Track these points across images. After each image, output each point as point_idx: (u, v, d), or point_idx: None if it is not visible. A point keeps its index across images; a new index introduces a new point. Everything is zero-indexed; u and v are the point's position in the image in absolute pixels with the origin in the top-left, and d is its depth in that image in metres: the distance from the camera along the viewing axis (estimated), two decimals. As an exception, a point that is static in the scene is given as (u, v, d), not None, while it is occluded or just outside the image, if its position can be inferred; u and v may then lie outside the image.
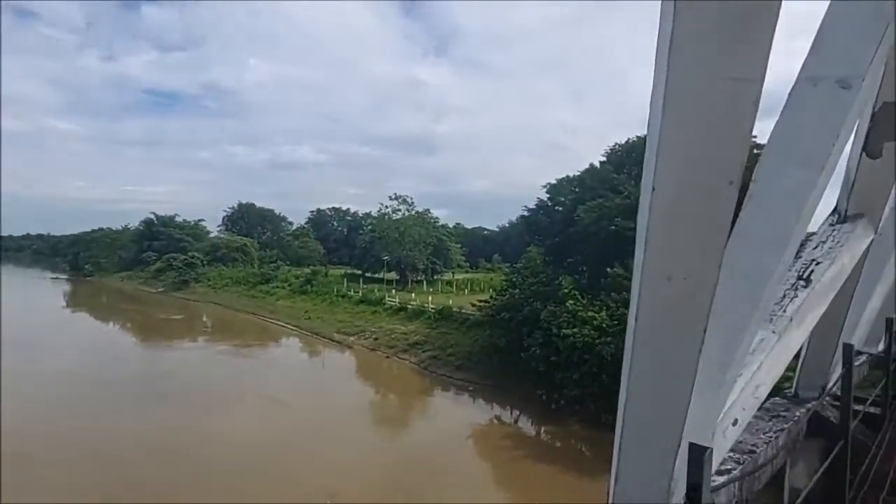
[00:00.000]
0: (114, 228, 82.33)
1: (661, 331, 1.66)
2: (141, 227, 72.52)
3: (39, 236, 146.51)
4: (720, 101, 1.17)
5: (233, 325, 44.01)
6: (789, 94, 1.95)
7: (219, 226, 76.77)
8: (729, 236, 1.75)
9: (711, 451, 1.57)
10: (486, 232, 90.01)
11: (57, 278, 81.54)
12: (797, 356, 3.91)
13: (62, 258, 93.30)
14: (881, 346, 5.83)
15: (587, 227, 27.05)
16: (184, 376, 28.23)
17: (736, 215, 2.17)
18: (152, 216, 72.44)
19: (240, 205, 78.56)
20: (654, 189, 1.34)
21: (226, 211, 78.55)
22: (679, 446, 1.80)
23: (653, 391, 1.81)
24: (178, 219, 73.52)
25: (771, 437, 3.71)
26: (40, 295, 63.68)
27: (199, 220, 75.55)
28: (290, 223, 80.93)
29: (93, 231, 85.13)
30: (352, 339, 36.85)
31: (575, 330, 22.96)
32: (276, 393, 25.31)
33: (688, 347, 1.68)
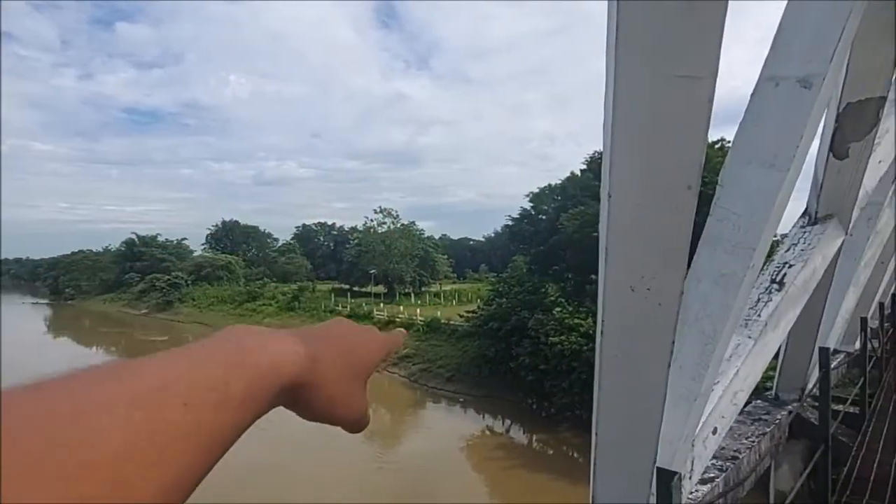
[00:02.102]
0: (94, 250, 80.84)
1: (628, 345, 1.60)
2: (122, 248, 71.27)
3: (18, 261, 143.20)
4: (672, 102, 1.11)
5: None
6: (751, 95, 1.92)
7: (203, 244, 75.68)
8: (692, 243, 1.69)
9: (681, 476, 1.50)
10: (471, 242, 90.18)
11: (37, 303, 79.59)
12: (775, 359, 3.89)
13: (42, 282, 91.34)
14: (857, 345, 5.86)
15: (571, 235, 27.19)
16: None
17: (704, 220, 2.12)
18: (134, 236, 71.30)
19: (224, 222, 77.66)
20: (610, 196, 1.28)
21: (209, 229, 77.58)
22: (654, 464, 1.73)
23: (624, 407, 1.74)
24: (161, 238, 72.46)
25: (753, 441, 3.66)
26: (20, 321, 62.07)
27: (182, 239, 74.66)
28: (276, 239, 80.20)
29: (73, 253, 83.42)
30: (339, 354, 36.40)
31: (562, 337, 22.96)
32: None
33: (657, 361, 1.61)
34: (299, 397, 0.39)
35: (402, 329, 0.56)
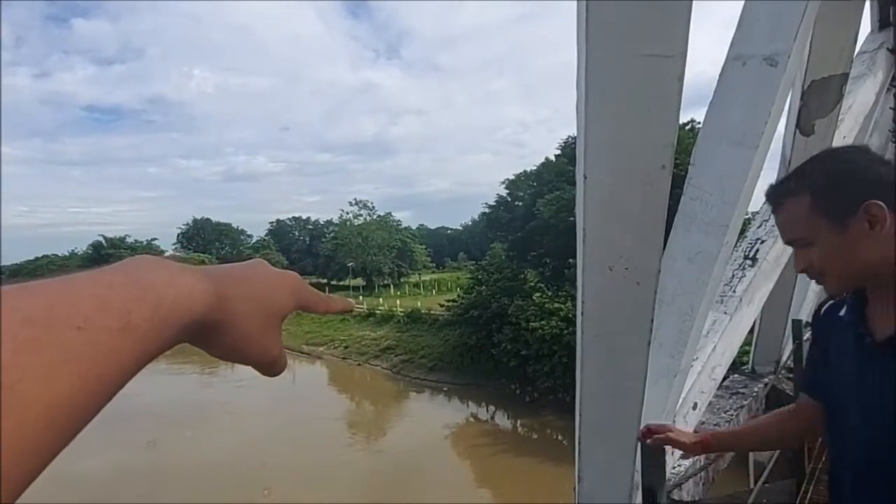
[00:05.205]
0: (60, 254, 78.47)
1: (608, 324, 1.61)
2: (89, 252, 69.29)
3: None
4: (643, 81, 1.11)
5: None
6: (720, 75, 1.94)
7: (174, 244, 73.92)
8: (668, 222, 1.70)
9: (664, 451, 1.53)
10: (449, 231, 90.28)
11: (2, 311, 76.94)
12: (751, 333, 3.99)
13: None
14: (829, 317, 6.07)
15: (547, 220, 27.41)
16: (150, 397, 27.13)
17: (678, 202, 2.15)
18: (101, 238, 69.39)
19: (195, 220, 75.96)
20: (585, 177, 1.28)
21: (180, 228, 75.90)
22: (637, 441, 1.76)
23: (606, 387, 1.76)
24: (129, 239, 70.47)
25: (732, 415, 3.77)
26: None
27: (153, 240, 72.73)
28: (250, 236, 78.85)
29: (37, 258, 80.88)
30: (321, 349, 36.21)
31: (543, 322, 23.23)
32: (244, 410, 24.62)
33: (637, 340, 1.63)
34: (208, 336, 0.38)
35: (349, 300, 0.56)
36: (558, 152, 32.18)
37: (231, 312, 0.38)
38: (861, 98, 3.71)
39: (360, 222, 57.07)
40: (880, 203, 0.95)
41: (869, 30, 4.37)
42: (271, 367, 0.43)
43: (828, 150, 1.13)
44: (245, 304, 0.40)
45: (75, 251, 76.66)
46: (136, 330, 0.30)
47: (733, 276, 3.02)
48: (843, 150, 1.12)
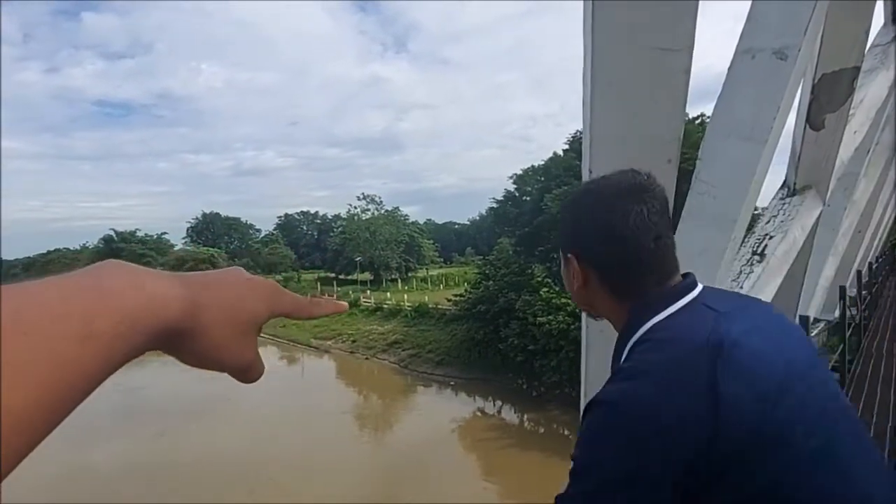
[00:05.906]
0: (71, 248, 79.25)
1: (613, 318, 1.62)
2: (100, 245, 69.92)
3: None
4: (649, 75, 1.11)
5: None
6: (729, 69, 1.93)
7: (183, 238, 74.44)
8: (675, 217, 1.70)
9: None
10: (456, 226, 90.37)
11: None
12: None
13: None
14: (837, 313, 6.00)
15: (555, 215, 27.30)
16: (157, 391, 27.45)
17: (685, 194, 2.14)
18: (112, 233, 69.92)
19: (204, 215, 76.43)
20: (591, 172, 1.28)
21: (189, 222, 76.33)
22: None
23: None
24: (140, 233, 70.99)
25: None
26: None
27: (163, 234, 73.18)
28: (259, 230, 79.30)
29: (48, 252, 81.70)
30: (329, 343, 36.40)
31: (550, 317, 23.21)
32: (252, 403, 24.81)
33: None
34: (180, 343, 0.38)
35: (341, 302, 0.52)
36: (566, 147, 32.03)
37: (202, 321, 0.38)
38: (873, 92, 3.67)
39: (367, 217, 57.19)
40: (573, 258, 0.87)
41: (882, 23, 4.31)
42: (245, 374, 0.43)
43: (597, 180, 0.90)
44: (216, 312, 0.39)
45: (86, 245, 77.41)
46: (101, 337, 0.30)
47: (741, 271, 3.00)
48: (603, 184, 0.88)
